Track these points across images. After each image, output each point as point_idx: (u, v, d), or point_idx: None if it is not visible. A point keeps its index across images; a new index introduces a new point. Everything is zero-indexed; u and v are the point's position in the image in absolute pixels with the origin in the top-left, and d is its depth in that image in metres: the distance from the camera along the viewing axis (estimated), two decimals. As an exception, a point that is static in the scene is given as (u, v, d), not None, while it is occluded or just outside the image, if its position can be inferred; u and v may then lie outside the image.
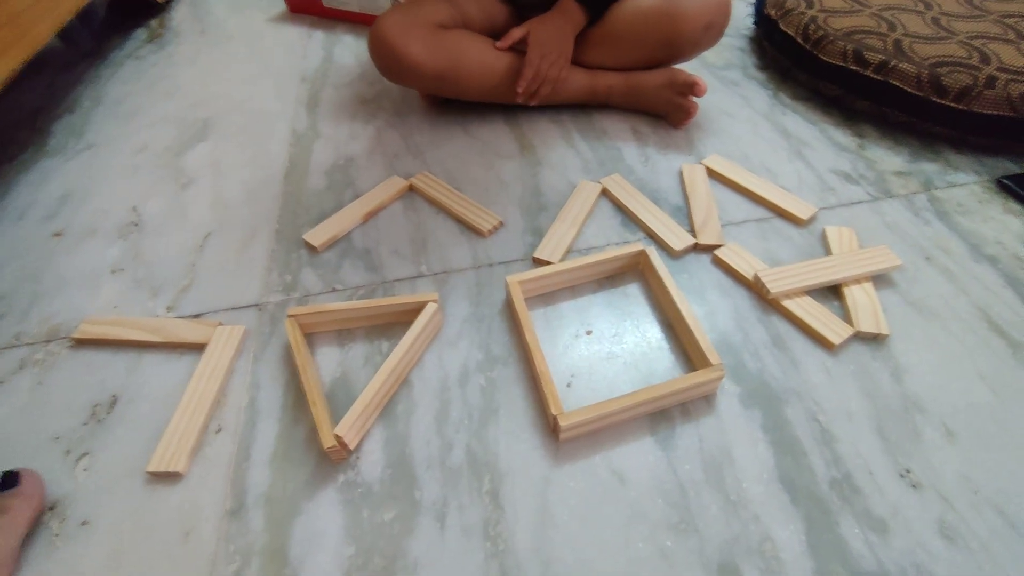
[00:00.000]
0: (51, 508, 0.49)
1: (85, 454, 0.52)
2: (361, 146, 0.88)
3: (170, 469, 0.49)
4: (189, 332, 0.61)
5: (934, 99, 0.79)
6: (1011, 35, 0.83)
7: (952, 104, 0.78)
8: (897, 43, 0.84)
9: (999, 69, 0.77)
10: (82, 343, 0.61)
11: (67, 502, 0.49)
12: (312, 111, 0.96)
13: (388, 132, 0.90)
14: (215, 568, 0.45)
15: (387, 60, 0.79)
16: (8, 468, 0.49)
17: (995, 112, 0.76)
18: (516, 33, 0.81)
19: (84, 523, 0.48)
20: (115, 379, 0.58)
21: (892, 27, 0.87)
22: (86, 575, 0.45)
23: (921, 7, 0.92)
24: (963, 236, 0.70)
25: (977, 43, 0.82)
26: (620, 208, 0.76)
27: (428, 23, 0.79)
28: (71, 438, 0.53)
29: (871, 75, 0.83)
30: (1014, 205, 0.75)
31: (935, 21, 0.88)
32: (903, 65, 0.81)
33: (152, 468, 0.50)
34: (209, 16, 1.28)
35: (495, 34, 0.87)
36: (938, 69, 0.79)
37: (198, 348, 0.60)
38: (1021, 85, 0.75)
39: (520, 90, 0.81)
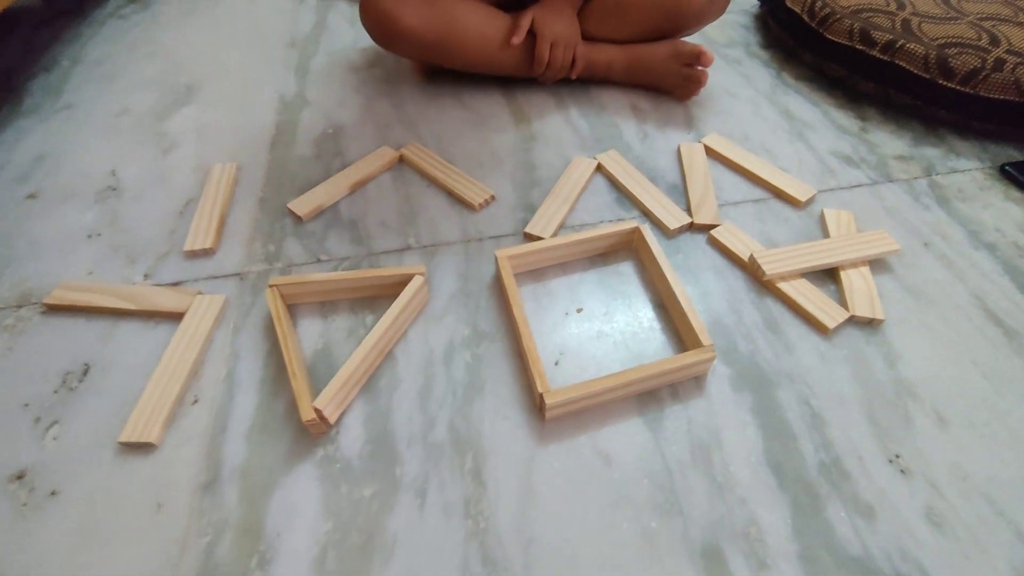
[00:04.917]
0: (19, 477, 0.47)
1: (55, 422, 0.50)
2: (351, 115, 0.85)
3: (143, 440, 0.48)
4: (167, 300, 0.59)
5: (940, 81, 0.77)
6: (1021, 17, 0.81)
7: (958, 87, 0.76)
8: (906, 22, 0.82)
9: (1008, 52, 0.75)
10: (54, 309, 0.59)
11: (36, 471, 0.47)
12: (301, 78, 0.93)
13: (380, 101, 0.87)
14: (187, 541, 0.43)
15: (379, 26, 0.76)
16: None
17: (1002, 96, 0.75)
18: (524, 23, 0.79)
19: (53, 493, 0.46)
20: (88, 347, 0.56)
21: (901, 6, 0.85)
22: (55, 546, 0.43)
23: (931, -14, 0.89)
24: (962, 222, 0.69)
25: (987, 24, 0.80)
26: (615, 185, 0.74)
27: None
28: (41, 406, 0.51)
29: (877, 55, 0.81)
30: (1015, 192, 0.73)
31: (945, 1, 0.86)
32: (911, 45, 0.78)
33: (124, 438, 0.48)
34: (196, -24, 1.22)
35: (493, 1, 0.84)
36: (946, 50, 0.77)
37: (176, 317, 0.58)
38: (1030, 69, 0.73)
39: (537, 78, 0.84)
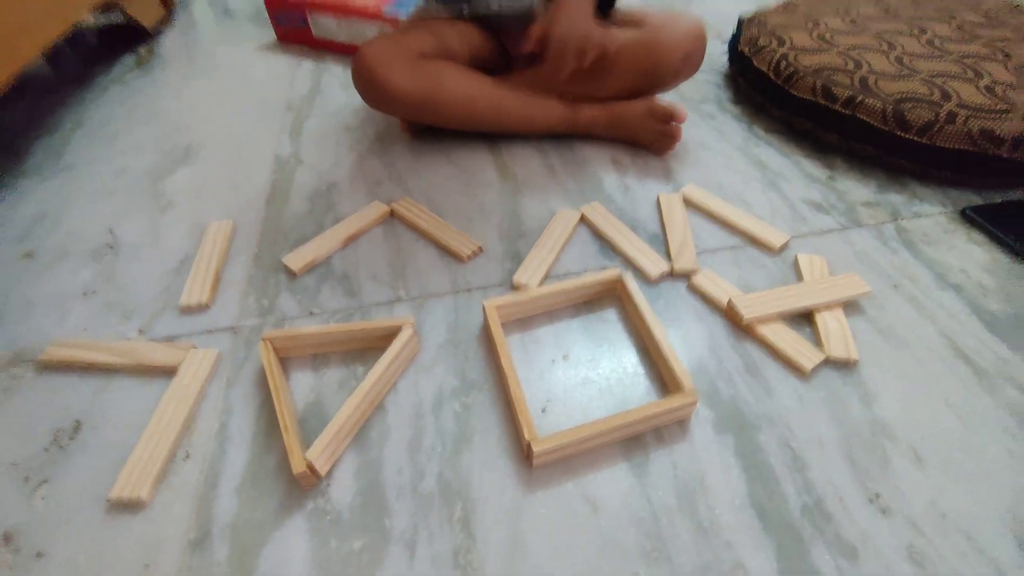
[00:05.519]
0: (6, 539, 0.47)
1: (44, 482, 0.51)
2: (344, 173, 0.88)
3: (133, 496, 0.48)
4: (160, 355, 0.60)
5: (898, 133, 0.82)
6: (970, 74, 0.87)
7: (915, 138, 0.82)
8: (863, 80, 0.88)
9: (959, 105, 0.80)
10: (47, 366, 0.60)
11: (23, 532, 0.47)
12: (296, 138, 0.97)
13: (371, 159, 0.91)
14: (174, 601, 0.43)
15: (369, 88, 0.81)
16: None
17: (956, 146, 0.80)
18: (536, 31, 0.78)
19: (39, 555, 0.46)
20: (80, 404, 0.57)
21: (858, 65, 0.91)
22: (38, 610, 0.43)
23: (885, 47, 0.96)
24: (929, 265, 0.72)
25: (938, 81, 0.86)
26: (598, 235, 0.77)
27: (410, 53, 0.82)
28: (30, 465, 0.52)
29: (840, 109, 0.87)
30: (977, 235, 0.77)
31: (899, 60, 0.92)
32: (869, 100, 0.84)
33: (114, 496, 0.48)
34: (198, 44, 1.29)
35: (477, 64, 0.89)
36: (902, 104, 0.82)
37: (169, 372, 0.59)
38: (980, 121, 0.79)
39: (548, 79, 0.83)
